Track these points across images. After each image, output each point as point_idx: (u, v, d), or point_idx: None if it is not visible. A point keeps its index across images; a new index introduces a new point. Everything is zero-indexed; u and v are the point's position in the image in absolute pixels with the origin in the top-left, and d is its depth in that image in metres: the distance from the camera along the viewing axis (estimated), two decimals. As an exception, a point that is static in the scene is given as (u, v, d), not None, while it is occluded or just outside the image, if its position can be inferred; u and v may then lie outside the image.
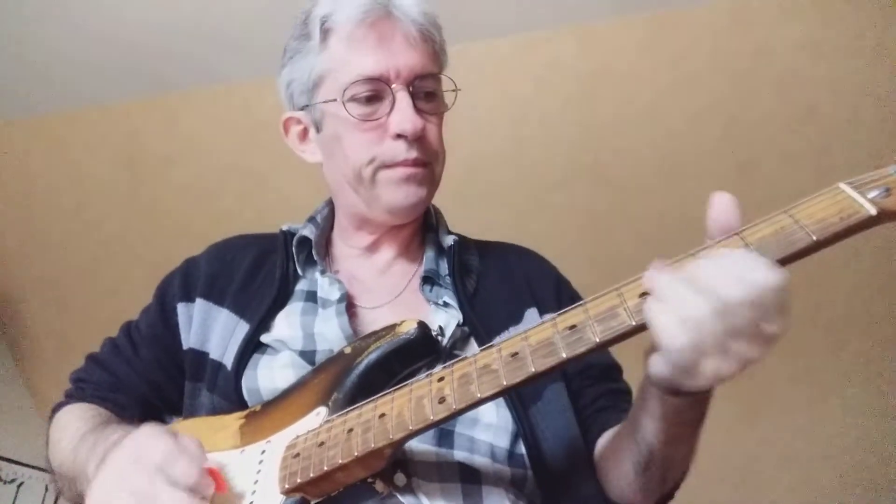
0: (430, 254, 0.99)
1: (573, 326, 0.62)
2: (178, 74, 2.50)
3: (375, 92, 0.90)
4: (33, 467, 2.76)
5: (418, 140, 0.91)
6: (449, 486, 0.75)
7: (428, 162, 0.93)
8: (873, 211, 0.55)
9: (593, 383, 0.92)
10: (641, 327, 0.58)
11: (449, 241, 1.00)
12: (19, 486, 2.74)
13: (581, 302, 0.63)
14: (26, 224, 2.85)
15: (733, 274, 0.54)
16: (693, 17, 2.29)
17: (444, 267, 0.98)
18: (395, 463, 0.74)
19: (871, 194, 0.56)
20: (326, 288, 0.95)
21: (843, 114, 2.24)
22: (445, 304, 0.92)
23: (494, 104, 2.45)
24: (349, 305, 0.93)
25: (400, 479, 0.74)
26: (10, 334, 2.96)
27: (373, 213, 0.96)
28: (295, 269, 0.98)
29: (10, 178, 2.81)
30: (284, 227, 1.04)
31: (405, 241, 1.01)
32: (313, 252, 0.98)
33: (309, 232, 1.00)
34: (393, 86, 0.90)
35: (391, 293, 0.96)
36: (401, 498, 0.73)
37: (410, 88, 0.90)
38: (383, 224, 0.98)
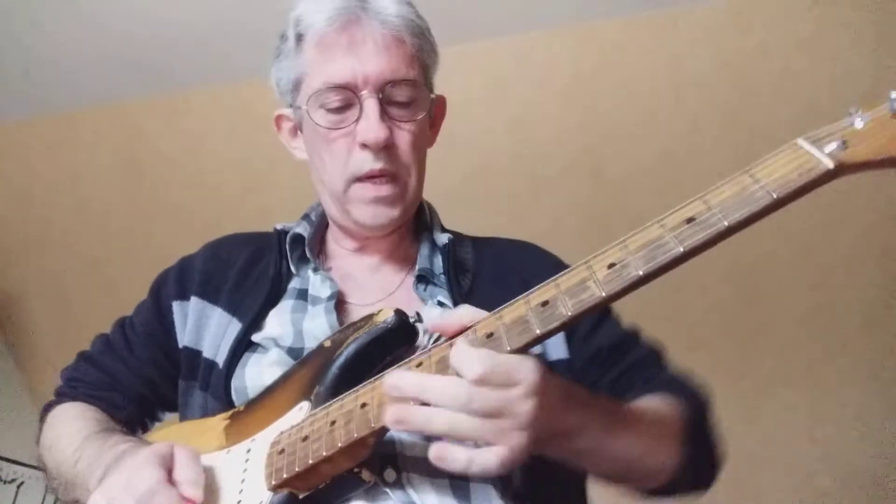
0: (423, 252, 0.98)
1: (546, 303, 0.63)
2: (179, 73, 2.51)
3: (344, 100, 0.88)
4: (33, 467, 2.75)
5: (387, 150, 0.88)
6: (438, 481, 0.75)
7: (397, 174, 0.90)
8: (830, 165, 0.55)
9: (605, 371, 0.90)
10: (612, 298, 0.60)
11: (443, 238, 0.99)
12: (19, 486, 2.74)
13: (553, 277, 0.65)
14: (27, 223, 2.85)
15: (452, 380, 0.62)
16: (693, 17, 2.29)
17: (438, 265, 0.97)
18: (384, 458, 0.74)
19: (828, 148, 0.56)
20: (318, 285, 0.94)
21: (844, 114, 2.23)
22: (440, 304, 0.91)
23: (494, 104, 2.45)
24: (341, 302, 0.92)
25: (390, 474, 0.74)
26: (10, 334, 2.97)
27: (346, 223, 0.96)
28: (288, 268, 0.98)
29: (11, 177, 2.82)
30: (278, 226, 1.03)
31: (394, 244, 0.99)
32: (306, 250, 0.98)
33: (302, 230, 0.99)
34: (362, 93, 0.87)
35: (384, 291, 0.95)
36: (391, 493, 0.72)
37: (380, 95, 0.87)
38: (361, 233, 0.97)
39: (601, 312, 0.94)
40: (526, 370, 0.62)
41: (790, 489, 2.38)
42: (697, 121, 2.34)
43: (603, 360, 0.91)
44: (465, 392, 0.60)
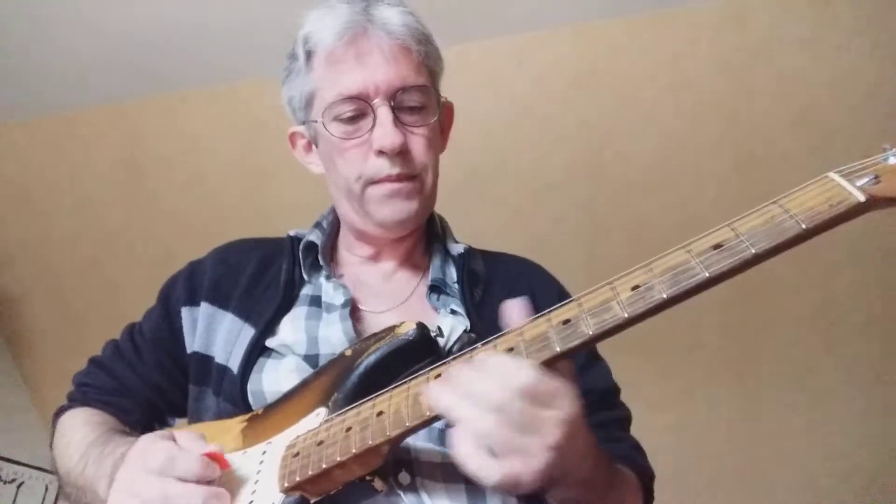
0: (436, 262, 1.00)
1: (567, 321, 0.63)
2: (178, 73, 2.51)
3: (358, 110, 0.90)
4: (33, 467, 2.76)
5: (402, 154, 0.91)
6: (452, 486, 0.75)
7: (415, 175, 0.93)
8: (862, 198, 0.55)
9: (589, 413, 0.92)
10: (635, 319, 0.60)
11: (459, 248, 1.01)
12: (19, 486, 2.74)
13: (575, 296, 0.64)
14: (26, 223, 2.85)
15: (497, 381, 0.60)
16: (693, 17, 2.29)
17: (450, 275, 0.99)
18: (399, 462, 0.74)
19: (861, 182, 0.56)
20: (331, 293, 0.95)
21: (843, 114, 2.23)
22: (453, 312, 0.92)
23: (494, 104, 2.45)
24: (354, 310, 0.93)
25: (404, 478, 0.74)
26: (9, 334, 2.96)
27: (367, 227, 0.97)
28: (301, 275, 0.99)
29: (10, 177, 2.81)
30: (292, 233, 1.04)
31: (407, 252, 1.01)
32: (319, 257, 0.99)
33: (315, 237, 1.01)
34: (374, 101, 0.90)
35: (397, 299, 0.97)
36: (404, 496, 0.73)
37: (392, 103, 0.90)
38: (380, 237, 0.99)
39: (592, 355, 0.98)
40: (568, 399, 0.62)
41: (790, 489, 2.38)
42: (696, 121, 2.35)
43: (592, 402, 0.91)
44: (507, 393, 0.59)
